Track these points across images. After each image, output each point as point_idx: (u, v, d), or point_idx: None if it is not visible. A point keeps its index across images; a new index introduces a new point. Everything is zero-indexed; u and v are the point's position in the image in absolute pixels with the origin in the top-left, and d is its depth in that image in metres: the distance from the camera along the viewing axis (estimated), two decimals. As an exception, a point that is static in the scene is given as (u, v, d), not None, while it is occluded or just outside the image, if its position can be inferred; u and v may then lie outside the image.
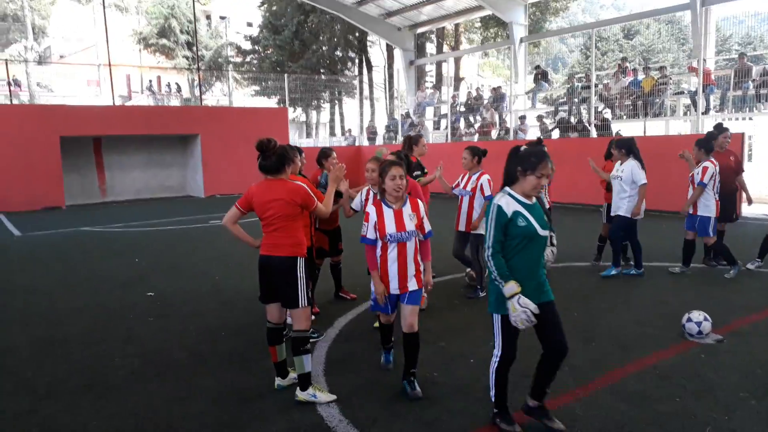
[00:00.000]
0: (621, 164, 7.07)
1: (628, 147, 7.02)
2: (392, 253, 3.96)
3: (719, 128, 7.57)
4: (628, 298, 6.36)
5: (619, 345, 4.89)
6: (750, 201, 7.94)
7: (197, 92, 37.46)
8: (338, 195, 5.10)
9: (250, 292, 6.97)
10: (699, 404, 3.77)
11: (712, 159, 7.02)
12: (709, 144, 7.09)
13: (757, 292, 6.39)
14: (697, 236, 7.17)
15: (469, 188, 6.33)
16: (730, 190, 7.62)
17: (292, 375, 4.21)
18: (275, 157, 3.99)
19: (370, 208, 4.02)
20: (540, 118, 18.49)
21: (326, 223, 5.99)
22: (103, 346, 5.26)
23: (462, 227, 6.42)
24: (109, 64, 18.69)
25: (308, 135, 38.01)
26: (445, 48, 30.80)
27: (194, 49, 39.13)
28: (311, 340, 4.63)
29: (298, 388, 3.96)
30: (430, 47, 32.47)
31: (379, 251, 4.01)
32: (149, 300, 6.81)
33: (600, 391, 4.01)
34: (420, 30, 26.56)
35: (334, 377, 4.38)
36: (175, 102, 33.17)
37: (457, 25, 29.29)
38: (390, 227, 3.93)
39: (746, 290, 6.48)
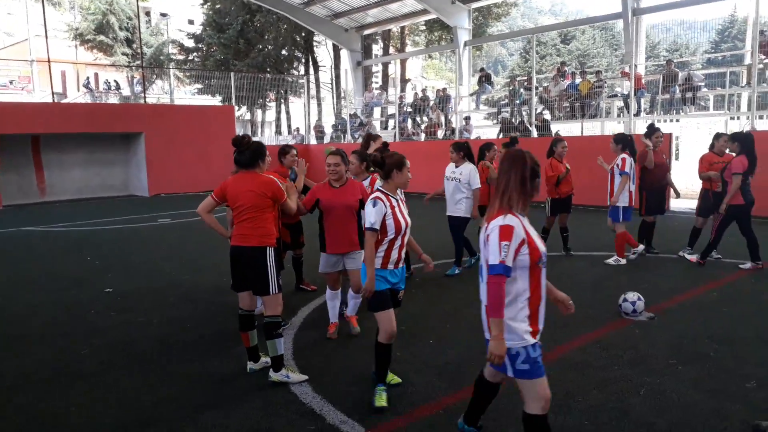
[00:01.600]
0: (457, 167, 7.31)
1: (465, 150, 7.30)
2: (543, 285, 2.77)
3: (651, 128, 8.21)
4: (571, 283, 6.84)
5: (563, 324, 5.31)
6: (678, 194, 8.54)
7: (137, 90, 36.55)
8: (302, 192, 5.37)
9: (208, 285, 7.13)
10: (634, 371, 4.23)
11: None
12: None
13: (682, 277, 7.04)
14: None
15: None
16: (661, 185, 8.27)
17: (264, 359, 4.42)
18: (249, 152, 4.21)
19: (511, 219, 2.65)
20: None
21: (288, 217, 6.18)
22: (67, 340, 5.30)
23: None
24: (48, 60, 18.05)
25: (253, 134, 37.68)
26: (391, 50, 31.24)
27: (134, 46, 38.16)
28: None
29: (271, 369, 4.18)
30: (376, 48, 32.85)
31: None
32: (108, 296, 6.81)
33: (549, 363, 4.39)
34: (367, 32, 26.89)
35: (303, 361, 4.61)
36: (113, 100, 32.21)
37: (402, 28, 29.79)
38: (540, 245, 2.73)
39: (672, 275, 7.12)
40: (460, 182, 7.24)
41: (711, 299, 6.07)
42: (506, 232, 2.61)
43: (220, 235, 4.40)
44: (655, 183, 8.07)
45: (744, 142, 7.16)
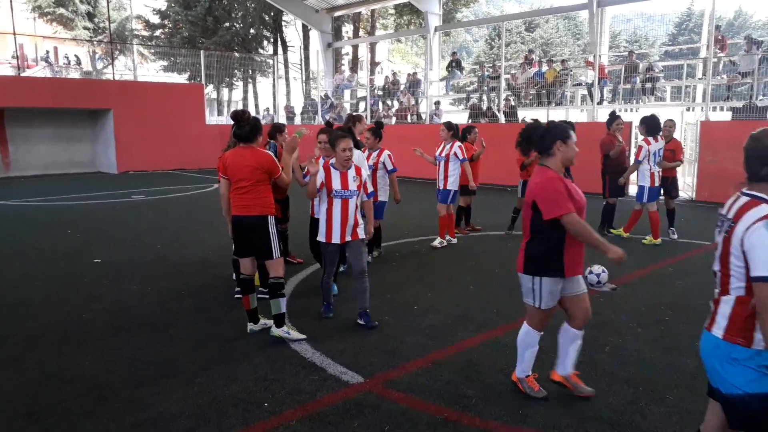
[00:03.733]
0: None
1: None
2: None
3: (612, 116, 8.76)
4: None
5: (535, 294, 5.82)
6: (626, 181, 8.89)
7: (99, 65, 35.61)
8: None
9: (195, 259, 7.40)
10: (600, 333, 4.73)
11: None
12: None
13: (641, 254, 7.65)
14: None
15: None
16: (622, 170, 8.83)
17: (263, 321, 4.77)
18: (248, 126, 4.51)
19: None
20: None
21: (278, 193, 6.48)
22: (67, 306, 5.52)
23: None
24: (14, 33, 17.66)
25: (219, 113, 37.32)
26: (361, 33, 31.33)
27: (95, 20, 37.15)
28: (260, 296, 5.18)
29: (273, 326, 4.54)
30: (346, 30, 32.88)
31: None
32: (98, 267, 7.01)
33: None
34: (337, 13, 26.92)
35: (297, 324, 4.95)
36: (74, 75, 31.43)
37: (372, 11, 29.91)
38: None
39: (633, 252, 7.70)
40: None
41: (667, 273, 6.67)
42: None
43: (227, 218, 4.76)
44: (616, 168, 8.63)
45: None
